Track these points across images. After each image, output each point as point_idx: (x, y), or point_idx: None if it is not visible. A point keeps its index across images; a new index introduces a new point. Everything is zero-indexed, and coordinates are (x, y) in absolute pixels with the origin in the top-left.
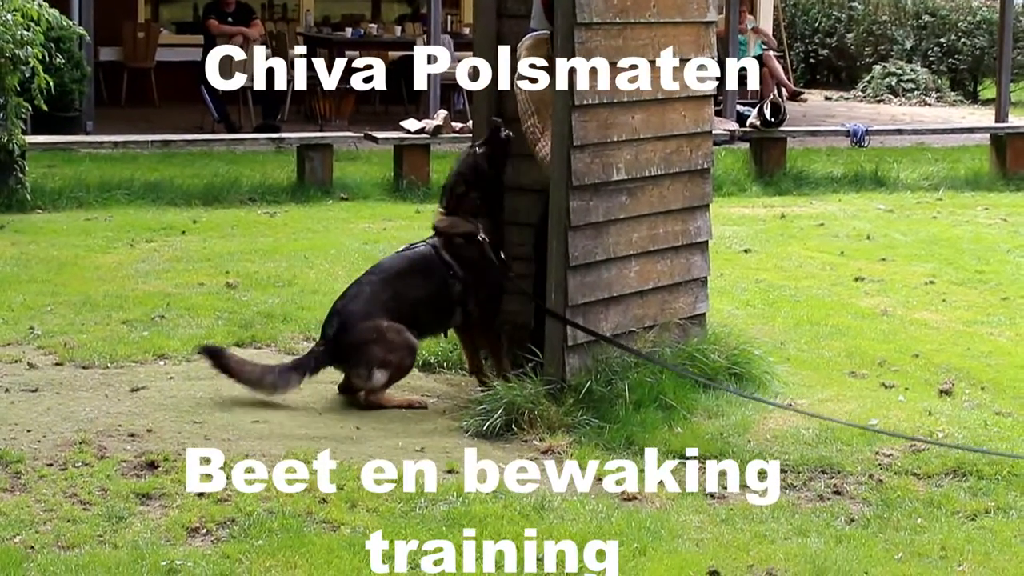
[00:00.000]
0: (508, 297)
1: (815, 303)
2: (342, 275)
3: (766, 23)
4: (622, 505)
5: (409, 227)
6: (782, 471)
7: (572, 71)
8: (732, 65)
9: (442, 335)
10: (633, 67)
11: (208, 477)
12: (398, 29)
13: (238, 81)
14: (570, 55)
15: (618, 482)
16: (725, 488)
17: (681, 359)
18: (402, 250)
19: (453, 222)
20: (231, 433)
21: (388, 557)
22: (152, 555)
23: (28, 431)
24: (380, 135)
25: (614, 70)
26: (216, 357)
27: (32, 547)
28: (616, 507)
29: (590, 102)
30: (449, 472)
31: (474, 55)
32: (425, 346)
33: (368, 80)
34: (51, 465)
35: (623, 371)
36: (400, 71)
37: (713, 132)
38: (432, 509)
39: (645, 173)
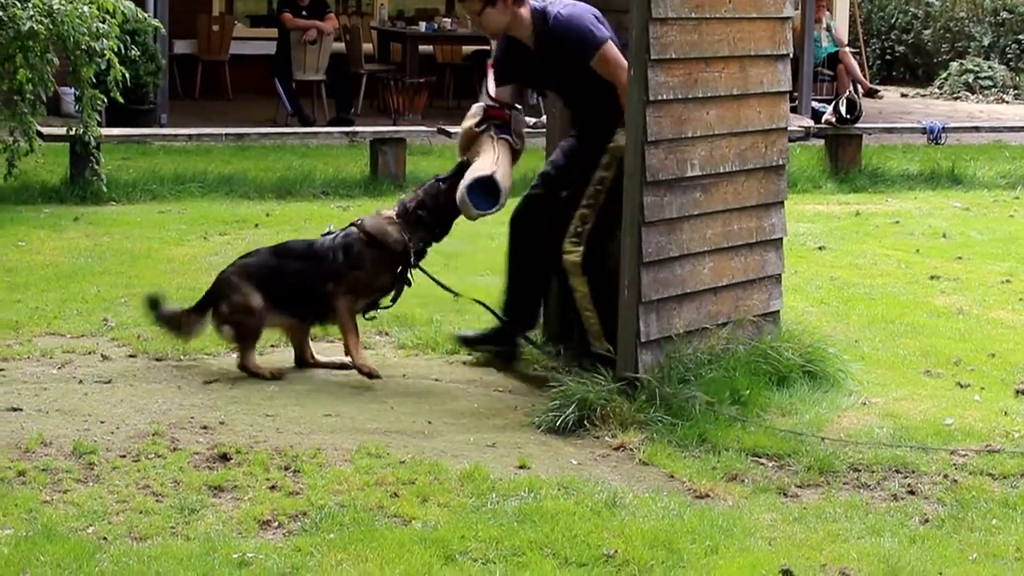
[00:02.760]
0: None
1: (890, 301)
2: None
3: (842, 19)
4: (694, 502)
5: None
6: (855, 470)
7: (646, 67)
8: (808, 61)
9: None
10: (708, 62)
11: (280, 470)
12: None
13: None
14: (645, 50)
15: (690, 479)
16: (798, 486)
17: (755, 356)
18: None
19: (383, 228)
20: (303, 426)
21: (460, 552)
22: (224, 547)
23: (102, 422)
24: (453, 129)
25: (689, 65)
26: (155, 307)
27: (105, 538)
28: (688, 504)
29: (664, 97)
30: (520, 467)
31: None
32: None
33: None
34: (124, 456)
35: (696, 368)
36: (473, 65)
37: (788, 128)
38: (503, 504)
39: (720, 169)
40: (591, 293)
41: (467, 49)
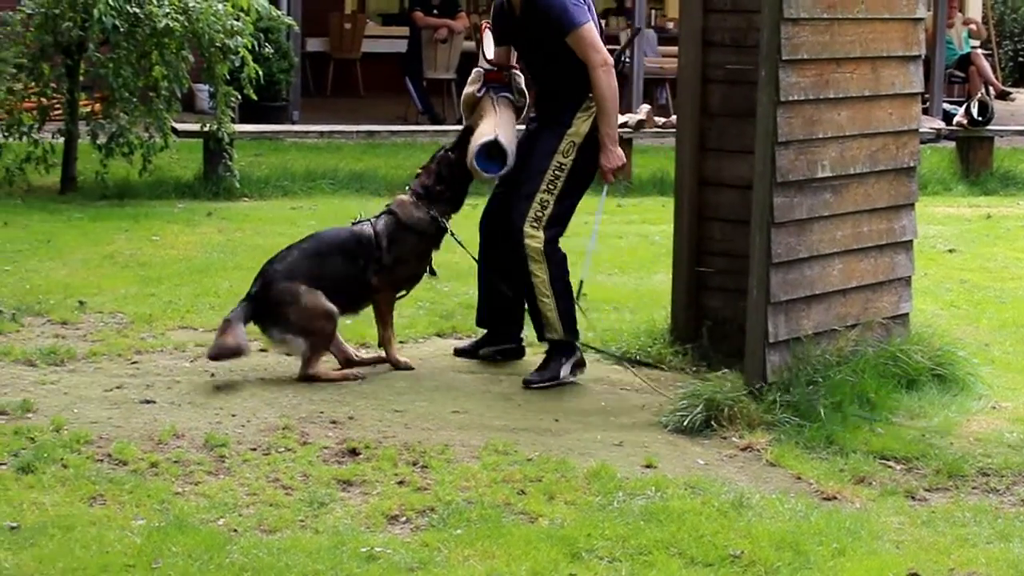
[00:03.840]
0: (710, 292)
1: (1021, 305)
2: None
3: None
4: (821, 504)
5: (610, 220)
6: (984, 474)
7: (777, 67)
8: (940, 63)
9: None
10: (840, 63)
11: (408, 465)
12: (602, 23)
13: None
14: (776, 50)
15: (818, 481)
16: (926, 490)
17: (884, 359)
18: (353, 223)
19: (412, 213)
20: (431, 422)
21: (586, 550)
22: (352, 541)
23: (233, 415)
24: None
25: (820, 66)
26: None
27: (235, 530)
28: (815, 506)
29: (795, 98)
30: (647, 467)
31: (679, 50)
32: (624, 341)
33: None
34: (255, 450)
35: (824, 369)
36: None
37: (919, 130)
38: (630, 503)
39: (850, 171)
40: (549, 279)
41: None
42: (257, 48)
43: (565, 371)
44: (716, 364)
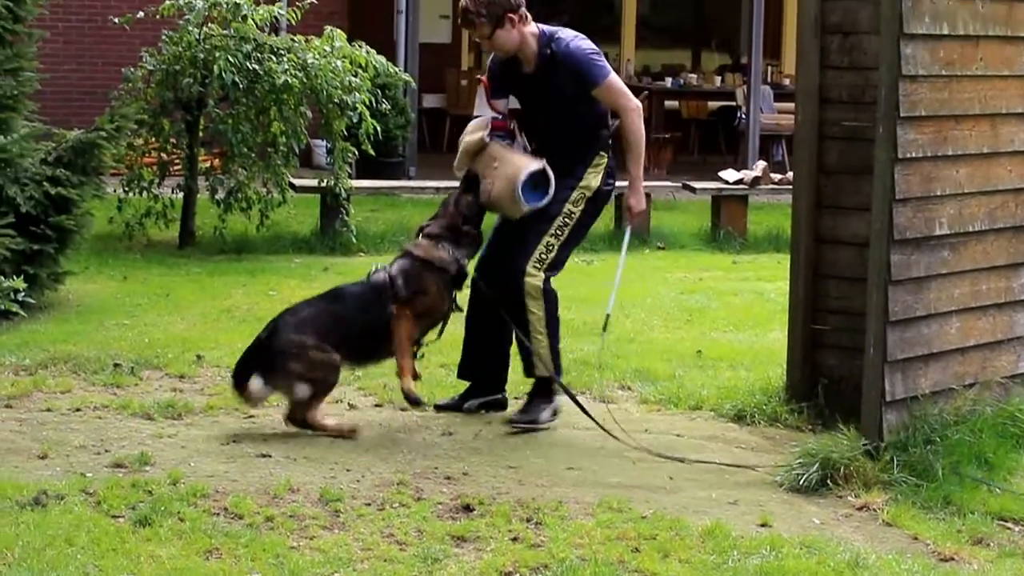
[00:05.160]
0: (826, 350)
1: None
2: (658, 324)
3: None
4: (938, 565)
5: (725, 277)
6: None
7: (895, 123)
8: None
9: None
10: (958, 120)
11: (522, 522)
12: (718, 79)
13: None
14: (894, 107)
15: (935, 542)
16: None
17: (1002, 419)
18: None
19: (434, 252)
20: (545, 479)
21: None
22: None
23: (348, 470)
24: (698, 185)
25: (939, 123)
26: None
27: None
28: (932, 567)
29: (913, 155)
30: (762, 525)
31: (796, 107)
32: (739, 398)
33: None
34: (369, 504)
35: (941, 429)
36: (719, 121)
37: None
38: (745, 562)
39: (968, 228)
40: (545, 317)
41: (712, 105)
42: (374, 104)
43: (545, 415)
44: (832, 422)
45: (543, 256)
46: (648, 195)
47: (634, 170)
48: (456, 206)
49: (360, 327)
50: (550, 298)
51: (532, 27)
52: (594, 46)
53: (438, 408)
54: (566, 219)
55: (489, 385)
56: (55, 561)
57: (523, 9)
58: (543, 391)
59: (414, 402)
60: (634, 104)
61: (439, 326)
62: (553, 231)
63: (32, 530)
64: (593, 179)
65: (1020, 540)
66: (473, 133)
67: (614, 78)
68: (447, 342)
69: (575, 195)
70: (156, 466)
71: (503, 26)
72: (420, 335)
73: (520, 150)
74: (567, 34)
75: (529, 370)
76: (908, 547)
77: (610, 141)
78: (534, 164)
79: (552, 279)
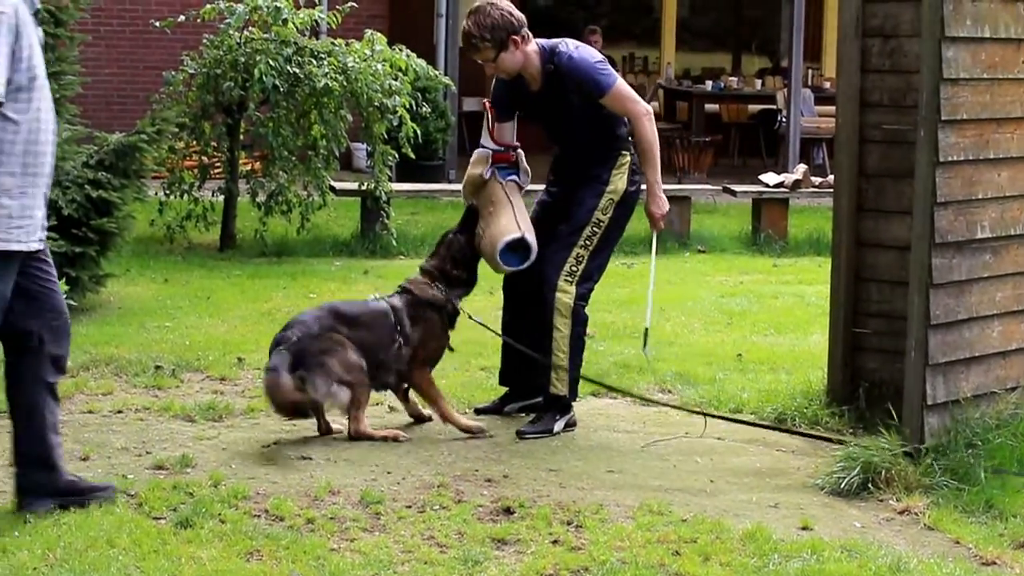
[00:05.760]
0: (867, 354)
1: None
2: (698, 327)
3: None
4: (980, 569)
5: (766, 281)
6: None
7: (936, 127)
8: None
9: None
10: (1000, 123)
11: (563, 525)
12: (758, 82)
13: None
14: (935, 111)
15: (976, 546)
16: None
17: None
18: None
19: (430, 292)
20: (585, 482)
21: None
22: None
23: (388, 473)
24: (738, 188)
25: (980, 126)
26: None
27: None
28: (974, 571)
29: (955, 158)
30: (803, 529)
31: (837, 110)
32: (780, 401)
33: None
34: (410, 507)
35: (983, 432)
36: (760, 124)
37: None
38: (786, 566)
39: (1010, 232)
40: (570, 337)
41: (753, 108)
42: (415, 107)
43: (558, 427)
44: (873, 426)
45: (573, 269)
46: (687, 198)
47: (651, 175)
48: (448, 248)
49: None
50: (578, 319)
51: (533, 45)
52: (597, 54)
53: (478, 412)
54: (595, 228)
55: (528, 389)
56: (97, 562)
57: (525, 29)
58: (557, 405)
59: (476, 432)
60: (644, 108)
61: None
62: (582, 242)
63: (74, 531)
64: (619, 181)
65: None
66: (475, 167)
67: (621, 84)
68: (489, 344)
69: (603, 202)
70: (197, 468)
71: (507, 49)
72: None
73: (518, 192)
74: (567, 47)
75: (546, 385)
76: (949, 551)
77: (630, 138)
78: (514, 233)
79: (588, 296)
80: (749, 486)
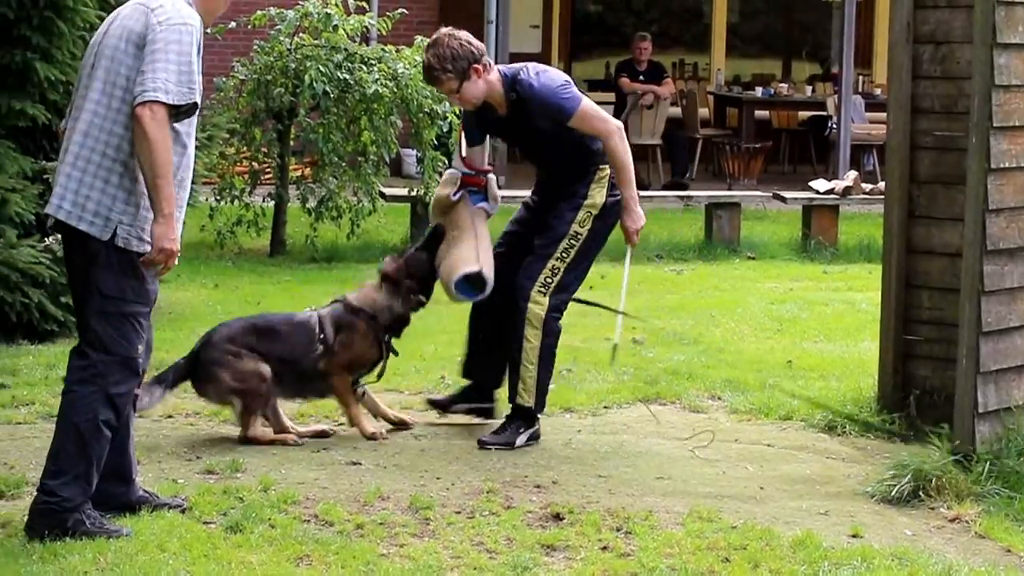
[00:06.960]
0: (918, 361)
1: None
2: (748, 334)
3: None
4: None
5: (816, 287)
6: None
7: (988, 133)
8: None
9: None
10: None
11: (612, 531)
12: (808, 89)
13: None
14: (987, 117)
15: None
16: None
17: None
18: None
19: (372, 298)
20: (635, 488)
21: None
22: None
23: (437, 478)
24: (788, 195)
25: None
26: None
27: None
28: None
29: (1007, 165)
30: (853, 536)
31: (888, 117)
32: (829, 409)
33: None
34: (459, 513)
35: None
36: (810, 131)
37: None
38: (836, 573)
39: None
40: (539, 348)
41: (803, 115)
42: None
43: (520, 440)
44: (923, 433)
45: (548, 280)
46: (737, 204)
47: (626, 192)
48: (407, 260)
49: (284, 354)
50: (549, 331)
51: (495, 73)
52: (560, 76)
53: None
54: (572, 240)
55: (481, 390)
56: (147, 567)
57: (486, 58)
58: (523, 415)
59: (370, 438)
60: (613, 126)
61: (379, 368)
62: (559, 254)
63: (124, 536)
64: (598, 195)
65: None
66: (444, 187)
67: (586, 105)
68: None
69: (581, 215)
70: (247, 473)
71: (469, 78)
72: (354, 381)
73: (483, 221)
74: (528, 73)
75: (512, 395)
76: (1000, 559)
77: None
78: (471, 267)
79: (563, 308)
80: (799, 493)
